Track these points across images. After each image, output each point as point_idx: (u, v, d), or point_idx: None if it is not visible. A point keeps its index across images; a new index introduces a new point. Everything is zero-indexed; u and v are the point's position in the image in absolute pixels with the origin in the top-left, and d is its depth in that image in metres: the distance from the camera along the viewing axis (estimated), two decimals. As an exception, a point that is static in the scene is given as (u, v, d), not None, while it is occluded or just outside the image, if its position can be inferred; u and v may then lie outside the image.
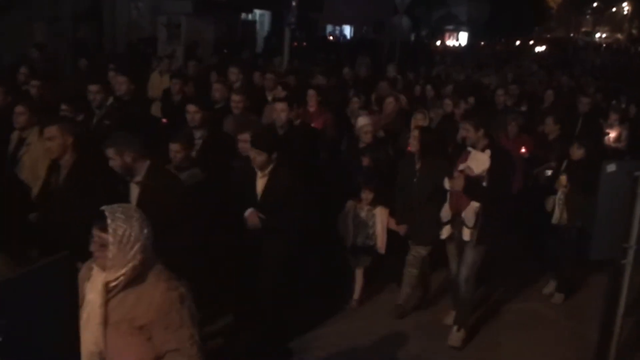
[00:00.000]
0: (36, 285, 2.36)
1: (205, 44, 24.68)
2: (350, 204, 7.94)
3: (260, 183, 6.62)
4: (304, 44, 31.81)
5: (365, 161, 8.20)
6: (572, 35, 70.01)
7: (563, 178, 8.16)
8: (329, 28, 49.21)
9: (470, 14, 66.58)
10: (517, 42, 63.51)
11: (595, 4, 76.21)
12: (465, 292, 7.16)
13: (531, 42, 64.03)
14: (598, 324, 6.69)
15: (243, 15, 33.28)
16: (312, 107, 9.79)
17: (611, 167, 5.20)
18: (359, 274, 8.09)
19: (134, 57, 19.96)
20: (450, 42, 62.33)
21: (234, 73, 11.29)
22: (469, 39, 66.06)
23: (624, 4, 73.15)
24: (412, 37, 48.26)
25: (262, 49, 31.86)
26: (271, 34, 34.52)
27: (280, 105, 8.13)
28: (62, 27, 22.33)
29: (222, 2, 26.61)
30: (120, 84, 9.53)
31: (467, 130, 6.94)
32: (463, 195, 6.89)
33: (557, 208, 8.19)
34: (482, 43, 58.88)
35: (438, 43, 53.70)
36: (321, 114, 9.69)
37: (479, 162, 6.81)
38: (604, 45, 68.45)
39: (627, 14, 74.48)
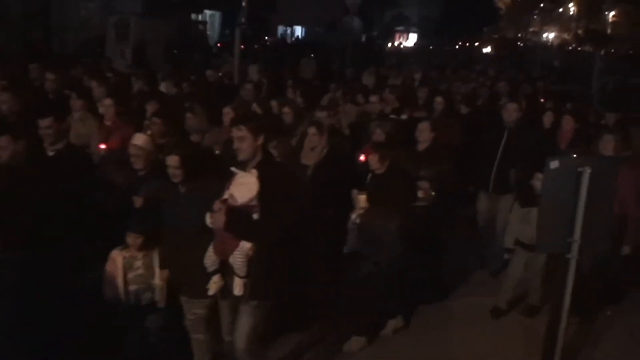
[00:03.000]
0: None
1: (155, 44, 24.50)
2: (114, 253, 6.15)
3: None
4: (255, 46, 31.78)
5: (138, 201, 6.40)
6: (520, 35, 71.05)
7: (362, 198, 7.28)
8: (281, 29, 49.23)
9: (421, 15, 67.27)
10: (476, 44, 64.18)
11: (542, 5, 77.34)
12: None
13: (476, 44, 64.63)
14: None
15: (193, 15, 33.14)
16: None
17: (554, 164, 5.29)
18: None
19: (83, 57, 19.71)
20: (401, 43, 62.70)
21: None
22: (419, 39, 66.64)
23: (571, 5, 74.43)
24: (364, 38, 48.54)
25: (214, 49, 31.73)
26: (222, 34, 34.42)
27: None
28: (12, 27, 22.01)
29: (172, 3, 26.45)
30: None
31: (239, 140, 5.29)
32: (228, 234, 5.29)
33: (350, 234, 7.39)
34: (430, 47, 59.32)
35: (389, 45, 53.93)
36: None
37: (244, 187, 5.20)
38: (553, 44, 69.58)
39: (573, 14, 75.81)
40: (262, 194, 5.15)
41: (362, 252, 7.25)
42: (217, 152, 8.03)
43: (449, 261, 8.70)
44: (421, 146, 8.37)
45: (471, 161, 9.47)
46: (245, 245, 5.28)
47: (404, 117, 10.47)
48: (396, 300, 7.45)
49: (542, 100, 14.70)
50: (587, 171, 5.26)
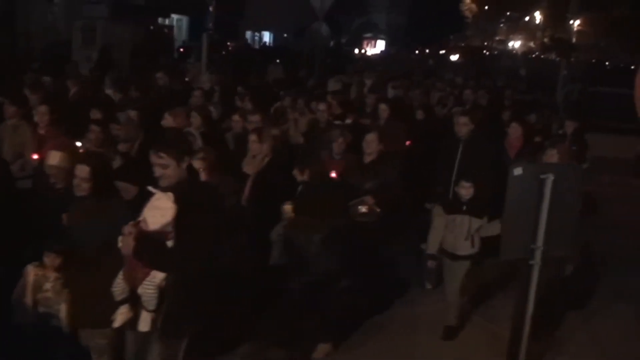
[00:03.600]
0: None
1: (121, 48, 24.34)
2: (29, 268, 5.56)
3: None
4: (223, 52, 31.67)
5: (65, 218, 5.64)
6: (486, 43, 71.84)
7: (288, 208, 7.12)
8: (249, 34, 49.16)
9: (389, 22, 67.66)
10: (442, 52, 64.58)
11: (508, 13, 78.12)
12: None
13: (442, 52, 65.01)
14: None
15: (160, 20, 32.99)
16: None
17: (518, 171, 5.33)
18: None
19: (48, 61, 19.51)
20: (369, 50, 62.98)
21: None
22: (387, 46, 66.97)
23: (537, 13, 75.29)
24: (332, 44, 48.61)
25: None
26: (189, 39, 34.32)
27: None
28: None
29: (138, 7, 26.31)
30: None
31: (161, 167, 4.71)
32: (137, 262, 4.66)
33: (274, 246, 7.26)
34: (393, 52, 59.60)
35: (356, 51, 54.10)
36: None
37: (158, 211, 4.57)
38: (518, 52, 70.29)
39: (539, 23, 76.68)
40: (178, 221, 4.51)
41: (287, 264, 7.01)
42: None
43: (407, 272, 8.72)
44: (367, 158, 8.11)
45: (426, 173, 9.35)
46: (157, 276, 4.63)
47: (348, 122, 10.22)
48: (327, 323, 6.90)
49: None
50: (550, 178, 5.31)
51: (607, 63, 39.25)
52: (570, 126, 11.69)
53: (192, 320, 4.79)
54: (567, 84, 23.29)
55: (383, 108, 10.58)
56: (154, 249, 4.56)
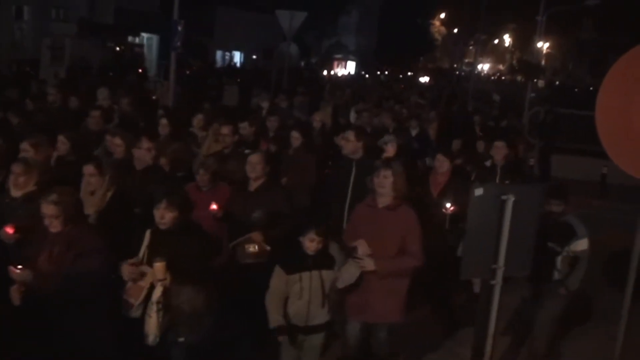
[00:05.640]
0: None
1: (90, 66, 24.26)
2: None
3: None
4: (193, 67, 31.62)
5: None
6: (455, 65, 72.41)
7: (159, 266, 5.30)
8: (219, 54, 49.18)
9: (359, 43, 68.09)
10: (410, 73, 64.93)
11: (477, 36, 79.18)
12: None
13: (409, 73, 65.35)
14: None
15: (130, 38, 32.94)
16: None
17: (479, 191, 5.36)
18: None
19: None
20: (339, 71, 63.27)
21: None
22: (357, 67, 67.35)
23: (506, 36, 76.31)
24: (303, 64, 48.84)
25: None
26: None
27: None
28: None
29: (108, 25, 26.27)
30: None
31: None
32: None
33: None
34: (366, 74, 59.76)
35: (325, 73, 54.26)
36: None
37: None
38: (487, 74, 71.13)
39: (508, 46, 77.69)
40: None
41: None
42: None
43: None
44: (253, 185, 7.12)
45: None
46: None
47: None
48: None
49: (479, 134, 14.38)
50: (511, 199, 5.35)
51: (576, 89, 39.70)
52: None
53: None
54: (534, 106, 23.53)
55: (295, 136, 9.54)
56: None
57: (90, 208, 6.25)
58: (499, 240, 5.44)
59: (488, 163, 9.64)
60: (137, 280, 5.35)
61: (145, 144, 7.51)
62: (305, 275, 5.70)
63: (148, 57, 36.32)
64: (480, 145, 11.60)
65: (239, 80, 25.32)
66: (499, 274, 5.56)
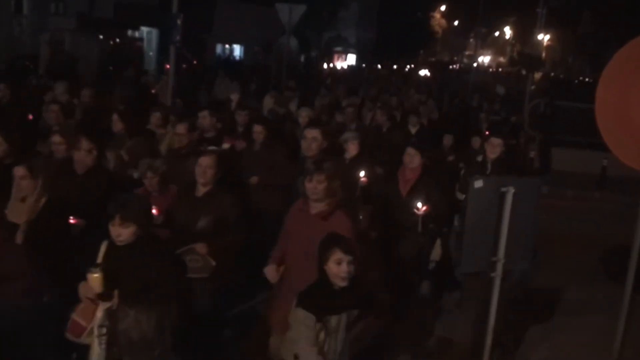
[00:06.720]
0: None
1: (89, 61, 24.21)
2: None
3: None
4: (195, 62, 31.52)
5: None
6: (455, 58, 72.33)
7: (95, 278, 4.69)
8: (219, 48, 49.03)
9: (359, 36, 67.95)
10: (409, 67, 64.71)
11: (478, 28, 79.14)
12: None
13: (410, 66, 65.11)
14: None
15: (130, 32, 32.85)
16: None
17: (478, 183, 5.36)
18: None
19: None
20: (339, 64, 63.10)
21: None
22: (358, 60, 67.19)
23: (506, 29, 76.25)
24: (303, 59, 48.74)
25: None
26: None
27: None
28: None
29: (107, 19, 26.18)
30: None
31: None
32: None
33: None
34: (363, 65, 59.54)
35: (325, 66, 54.07)
36: None
37: None
38: (488, 67, 70.94)
39: (509, 38, 77.63)
40: None
41: None
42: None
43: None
44: (201, 190, 6.27)
45: None
46: None
47: (225, 146, 8.83)
48: None
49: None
50: (511, 191, 5.34)
51: (576, 81, 39.57)
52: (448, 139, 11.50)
53: None
54: (535, 98, 23.49)
55: (258, 130, 8.64)
56: None
57: (21, 217, 5.40)
58: (499, 233, 5.44)
59: (479, 158, 9.26)
60: (93, 299, 4.74)
61: (85, 144, 6.56)
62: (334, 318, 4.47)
63: (147, 50, 36.28)
64: (476, 142, 11.36)
65: (233, 73, 25.19)
66: (499, 267, 5.56)
